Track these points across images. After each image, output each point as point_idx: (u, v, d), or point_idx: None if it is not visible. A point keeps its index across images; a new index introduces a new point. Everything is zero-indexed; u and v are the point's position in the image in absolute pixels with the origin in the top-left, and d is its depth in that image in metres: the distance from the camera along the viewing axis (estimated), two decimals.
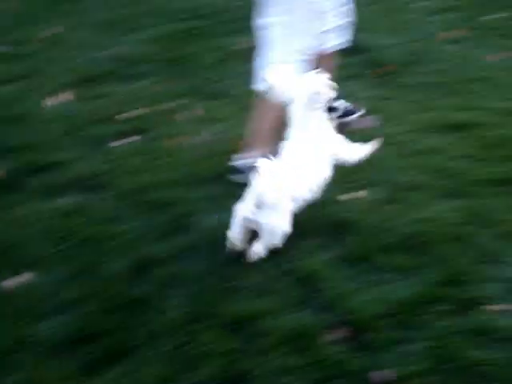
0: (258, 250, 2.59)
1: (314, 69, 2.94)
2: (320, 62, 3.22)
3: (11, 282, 2.52)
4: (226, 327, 2.29)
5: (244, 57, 4.28)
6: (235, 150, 3.26)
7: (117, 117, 3.70)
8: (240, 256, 2.59)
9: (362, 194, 2.99)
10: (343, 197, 2.97)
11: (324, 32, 3.19)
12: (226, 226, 2.66)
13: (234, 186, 2.99)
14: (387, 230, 2.74)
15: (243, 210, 2.56)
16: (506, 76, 4.13)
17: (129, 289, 2.47)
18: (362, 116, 3.61)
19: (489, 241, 2.68)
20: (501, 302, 2.39)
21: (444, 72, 4.20)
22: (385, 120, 3.61)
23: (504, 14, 5.08)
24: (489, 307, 2.35)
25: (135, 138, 3.52)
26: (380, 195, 2.99)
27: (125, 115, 3.70)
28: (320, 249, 2.67)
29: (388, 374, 2.09)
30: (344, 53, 4.08)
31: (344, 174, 3.09)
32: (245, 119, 3.58)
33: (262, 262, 2.59)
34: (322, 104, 2.71)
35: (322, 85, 2.70)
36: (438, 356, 2.15)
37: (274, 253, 2.62)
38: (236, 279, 2.51)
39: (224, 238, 2.62)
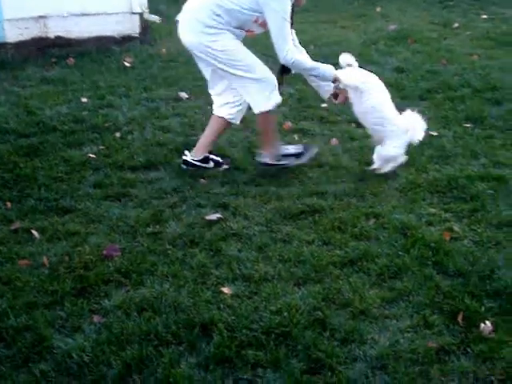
0: None
1: None
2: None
3: None
4: None
5: (91, 167, 4.08)
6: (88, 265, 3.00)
7: None
8: None
9: (221, 290, 2.82)
10: (203, 295, 2.78)
11: None
12: (81, 348, 2.41)
13: (85, 304, 2.72)
14: (249, 324, 2.59)
15: None
16: (341, 160, 4.21)
17: None
18: None
19: (346, 322, 2.61)
20: (368, 382, 2.29)
21: None
22: (232, 215, 3.52)
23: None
24: None
25: None
26: (237, 290, 2.83)
27: None
28: (185, 354, 2.44)
29: None
30: None
31: (201, 272, 2.95)
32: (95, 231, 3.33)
33: (131, 372, 2.32)
34: None
35: None
36: None
37: (138, 365, 2.35)
38: None
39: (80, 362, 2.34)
